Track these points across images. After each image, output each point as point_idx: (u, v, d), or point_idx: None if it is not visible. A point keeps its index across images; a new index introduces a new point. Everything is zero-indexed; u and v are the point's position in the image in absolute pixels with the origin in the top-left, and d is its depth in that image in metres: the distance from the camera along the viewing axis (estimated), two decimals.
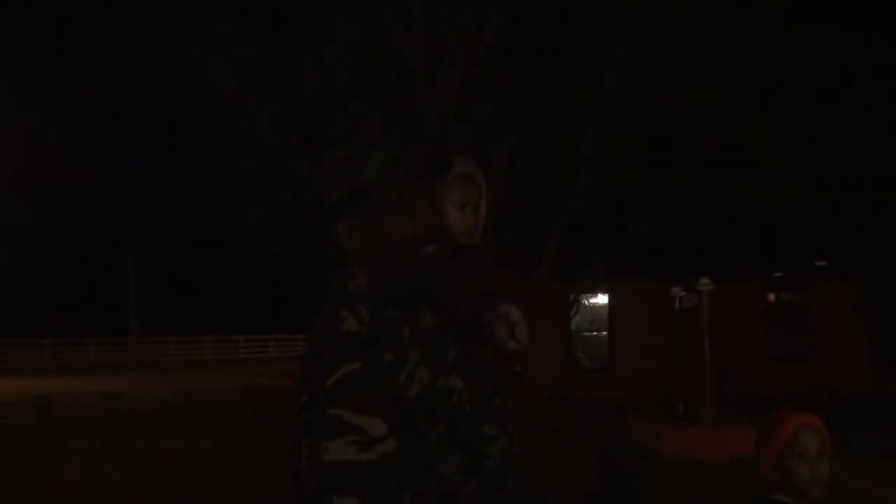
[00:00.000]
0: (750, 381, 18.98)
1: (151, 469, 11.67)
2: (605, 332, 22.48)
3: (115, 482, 10.68)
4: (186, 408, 18.13)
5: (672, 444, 12.04)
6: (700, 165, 12.39)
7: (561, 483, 9.84)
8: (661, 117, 11.92)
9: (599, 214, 12.38)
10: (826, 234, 20.68)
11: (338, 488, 1.58)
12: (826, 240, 20.68)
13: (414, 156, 1.89)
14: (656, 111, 11.89)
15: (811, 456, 2.71)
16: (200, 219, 12.34)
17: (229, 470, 11.40)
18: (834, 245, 20.76)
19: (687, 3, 11.76)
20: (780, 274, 21.55)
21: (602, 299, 22.64)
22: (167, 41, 11.92)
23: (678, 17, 11.77)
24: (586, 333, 23.22)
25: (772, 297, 22.25)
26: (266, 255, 12.73)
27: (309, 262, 9.89)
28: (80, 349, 39.64)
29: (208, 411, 17.81)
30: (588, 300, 23.28)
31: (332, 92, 11.49)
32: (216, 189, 12.54)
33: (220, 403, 18.68)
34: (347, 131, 11.21)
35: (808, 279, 21.46)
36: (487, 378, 1.94)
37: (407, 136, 11.41)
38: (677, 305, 15.63)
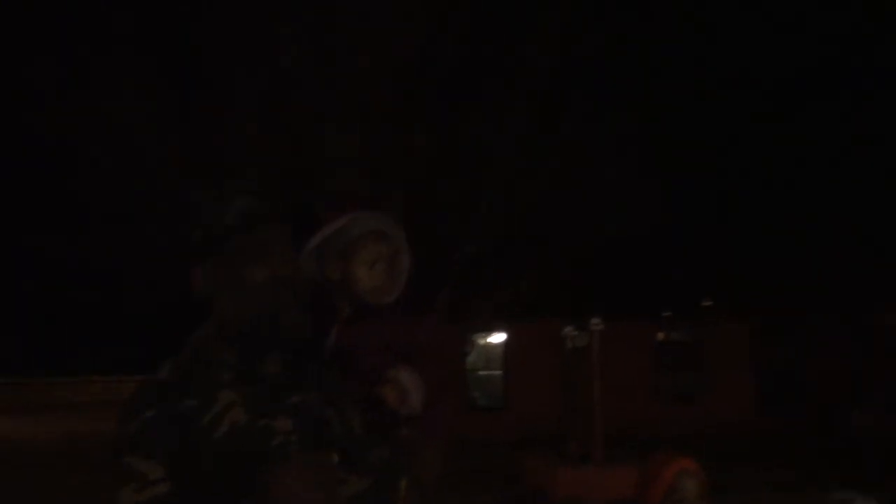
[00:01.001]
0: (641, 421, 19.26)
1: None
2: (499, 371, 22.57)
3: None
4: (73, 450, 17.46)
5: (565, 485, 12.09)
6: (594, 208, 12.62)
7: None
8: (558, 161, 12.13)
9: (495, 254, 12.48)
10: (715, 273, 21.22)
11: None
12: (715, 279, 21.22)
13: (277, 204, 1.91)
14: (554, 155, 12.10)
15: (690, 501, 2.75)
16: (95, 254, 11.99)
17: None
18: (723, 285, 21.31)
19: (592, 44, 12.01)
20: (669, 313, 22.01)
21: (497, 338, 22.74)
22: (67, 67, 11.63)
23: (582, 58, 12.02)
24: (482, 372, 23.26)
25: (662, 336, 22.70)
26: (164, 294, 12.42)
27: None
28: None
29: (96, 455, 17.16)
30: (483, 339, 23.36)
31: (233, 130, 11.35)
32: (104, 225, 12.21)
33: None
34: (248, 172, 11.08)
35: (697, 318, 21.97)
36: (363, 426, 1.94)
37: (307, 176, 11.33)
38: (570, 345, 15.79)
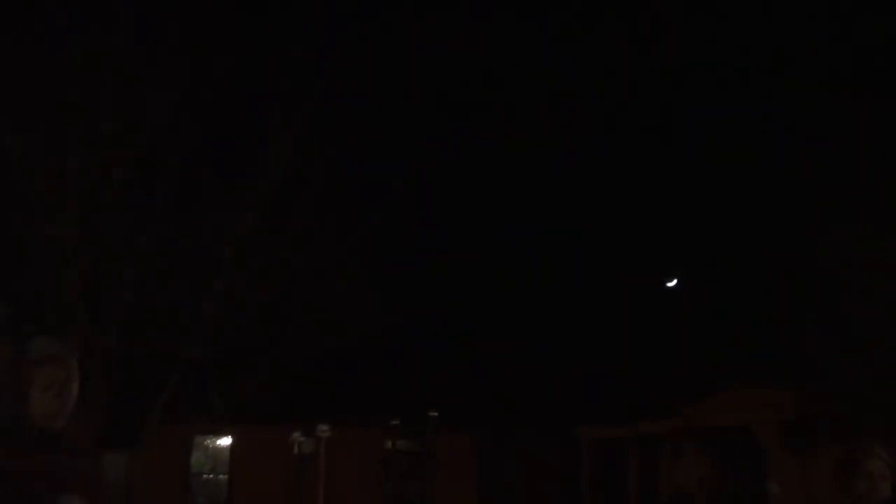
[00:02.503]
0: None
1: None
2: (225, 475, 22.01)
3: None
4: None
5: None
6: (323, 317, 12.87)
7: None
8: (288, 271, 12.33)
9: (221, 358, 12.41)
10: (441, 385, 21.95)
11: None
12: (440, 391, 21.91)
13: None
14: (285, 265, 12.30)
15: None
16: None
17: None
18: (448, 396, 22.04)
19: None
20: (397, 422, 22.42)
21: (223, 441, 22.24)
22: None
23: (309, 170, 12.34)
24: (206, 476, 22.58)
25: (390, 444, 23.00)
26: None
27: None
28: None
29: None
30: (210, 442, 22.75)
31: None
32: None
33: None
34: None
35: (423, 428, 22.49)
36: None
37: (24, 263, 10.90)
38: (296, 450, 15.81)
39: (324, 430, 13.13)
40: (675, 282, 27.68)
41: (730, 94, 24.64)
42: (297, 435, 15.53)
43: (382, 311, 13.79)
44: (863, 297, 14.29)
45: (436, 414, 22.11)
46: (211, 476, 22.45)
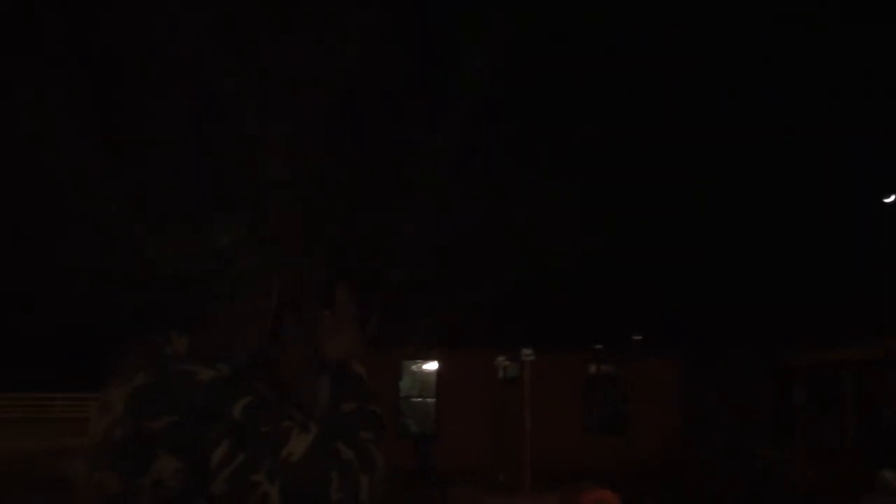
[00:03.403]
0: (570, 451, 19.45)
1: None
2: (432, 399, 22.61)
3: None
4: None
5: None
6: (527, 238, 12.77)
7: None
8: (490, 192, 12.26)
9: (425, 282, 12.55)
10: (645, 308, 21.62)
11: None
12: (645, 314, 21.60)
13: (258, 235, 2.01)
14: (488, 186, 12.22)
15: None
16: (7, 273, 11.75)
17: None
18: (652, 320, 21.69)
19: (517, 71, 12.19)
20: (600, 346, 22.30)
21: (431, 366, 22.80)
22: None
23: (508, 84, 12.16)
24: (415, 400, 23.28)
25: (593, 368, 22.96)
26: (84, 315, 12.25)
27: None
28: None
29: None
30: (418, 367, 23.39)
31: (162, 152, 11.27)
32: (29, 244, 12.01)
33: None
34: (178, 195, 11.00)
35: (626, 352, 22.29)
36: None
37: (239, 203, 11.31)
38: (501, 375, 15.97)
39: (528, 353, 13.15)
40: (893, 198, 26.01)
41: None
42: (501, 359, 15.67)
43: (586, 232, 13.56)
44: None
45: (640, 338, 21.86)
46: (419, 399, 23.13)
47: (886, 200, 25.66)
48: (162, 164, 11.13)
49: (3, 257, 11.44)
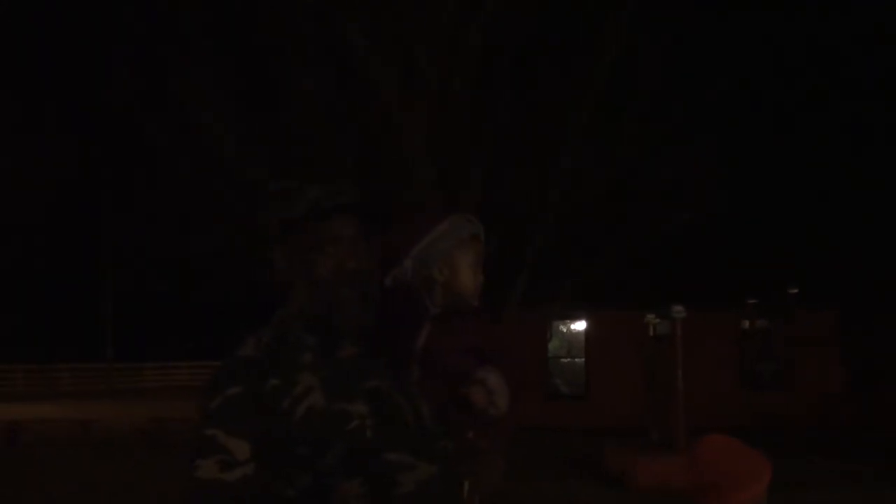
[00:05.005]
0: (724, 409, 19.01)
1: (122, 498, 11.53)
2: (581, 359, 22.49)
3: None
4: (160, 435, 17.97)
5: (646, 473, 12.03)
6: (671, 194, 12.47)
7: None
8: (631, 149, 12.03)
9: (573, 240, 12.44)
10: (801, 261, 20.84)
11: None
12: (801, 267, 20.82)
13: (349, 196, 1.97)
14: (626, 142, 12.00)
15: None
16: (173, 246, 12.23)
17: None
18: (809, 272, 20.90)
19: (659, 33, 11.89)
20: (754, 301, 21.64)
21: (579, 326, 22.65)
22: (145, 72, 11.89)
23: (649, 46, 11.88)
24: (564, 360, 23.20)
25: (746, 324, 22.32)
26: (240, 284, 12.67)
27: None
28: (54, 375, 39.09)
29: (182, 438, 17.61)
30: (566, 326, 23.28)
31: (307, 123, 11.47)
32: (187, 218, 12.46)
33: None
34: (320, 164, 11.20)
35: (782, 306, 21.54)
36: (433, 417, 1.99)
37: (380, 171, 11.43)
38: (651, 333, 15.70)
39: (678, 310, 12.82)
40: None
41: None
42: (651, 317, 15.38)
43: (737, 185, 13.17)
44: None
45: (796, 290, 21.08)
46: (568, 360, 23.06)
47: None
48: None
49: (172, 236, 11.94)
